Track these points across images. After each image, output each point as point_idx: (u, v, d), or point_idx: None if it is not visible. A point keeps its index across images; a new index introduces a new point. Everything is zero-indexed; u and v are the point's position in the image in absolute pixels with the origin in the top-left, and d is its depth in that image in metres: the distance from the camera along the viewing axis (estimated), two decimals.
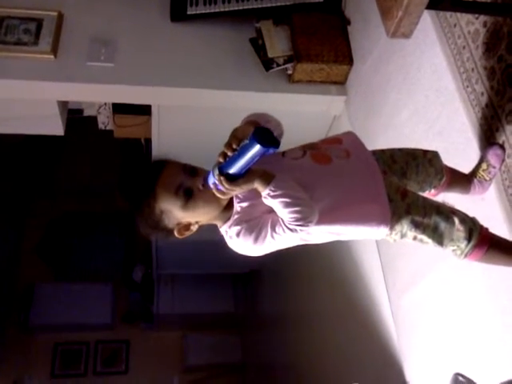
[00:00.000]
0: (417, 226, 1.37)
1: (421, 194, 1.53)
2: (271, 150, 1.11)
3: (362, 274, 2.87)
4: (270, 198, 1.21)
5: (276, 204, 1.21)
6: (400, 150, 1.58)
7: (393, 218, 1.35)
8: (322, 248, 3.43)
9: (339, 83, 2.81)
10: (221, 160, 1.18)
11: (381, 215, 1.35)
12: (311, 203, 1.24)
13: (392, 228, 1.36)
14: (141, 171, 1.33)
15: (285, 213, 1.21)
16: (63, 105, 2.94)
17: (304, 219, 1.21)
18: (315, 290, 3.73)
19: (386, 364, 2.56)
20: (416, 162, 1.57)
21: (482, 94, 1.74)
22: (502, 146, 1.65)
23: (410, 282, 2.32)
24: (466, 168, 1.77)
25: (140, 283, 5.46)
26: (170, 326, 5.39)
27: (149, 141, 3.27)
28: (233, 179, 1.17)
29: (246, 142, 1.12)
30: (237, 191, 1.21)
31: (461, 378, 1.34)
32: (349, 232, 1.37)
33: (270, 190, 1.19)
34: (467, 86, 1.79)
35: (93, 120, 3.25)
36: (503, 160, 1.65)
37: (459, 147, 1.85)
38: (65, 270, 5.41)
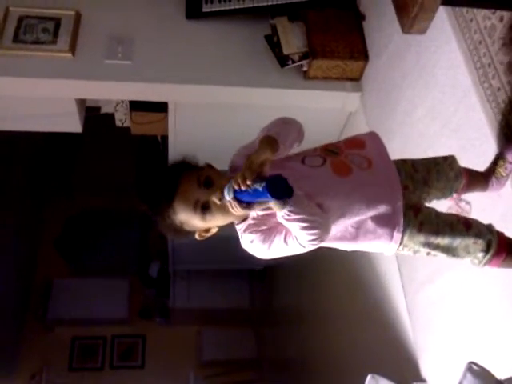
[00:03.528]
0: (429, 244, 1.37)
1: (442, 199, 1.53)
2: (283, 199, 1.15)
3: (378, 269, 2.87)
4: (285, 221, 1.22)
5: (291, 226, 1.23)
6: (422, 159, 1.57)
7: (404, 233, 1.35)
8: None
9: (354, 80, 2.81)
10: (235, 187, 1.19)
11: (393, 232, 1.35)
12: (326, 222, 1.26)
13: (404, 245, 1.36)
14: (158, 181, 1.34)
15: (300, 234, 1.23)
16: (81, 102, 2.98)
17: (318, 239, 1.23)
18: (330, 286, 3.74)
19: (401, 360, 2.56)
20: (437, 168, 1.55)
21: (499, 89, 1.73)
22: None
23: (427, 279, 2.32)
24: (482, 165, 1.76)
25: (156, 278, 5.51)
26: (185, 321, 5.43)
27: (165, 138, 3.30)
28: (248, 203, 1.20)
29: (259, 189, 1.14)
30: (252, 212, 1.26)
31: (475, 367, 1.34)
32: (360, 247, 1.39)
33: (286, 213, 1.20)
34: (484, 82, 1.78)
35: (110, 117, 3.29)
36: None
37: (475, 143, 1.85)
38: (82, 265, 5.48)
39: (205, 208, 1.28)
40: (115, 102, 3.18)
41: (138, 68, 2.73)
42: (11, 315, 4.95)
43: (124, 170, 4.75)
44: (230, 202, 1.21)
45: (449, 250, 1.39)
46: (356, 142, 1.47)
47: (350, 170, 1.36)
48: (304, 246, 1.25)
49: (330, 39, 2.71)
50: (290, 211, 1.19)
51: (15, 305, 5.05)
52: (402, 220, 1.34)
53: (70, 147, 5.06)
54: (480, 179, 1.71)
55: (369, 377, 2.11)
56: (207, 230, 1.37)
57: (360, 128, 2.78)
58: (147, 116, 3.14)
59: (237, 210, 1.22)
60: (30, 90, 2.76)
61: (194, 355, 5.37)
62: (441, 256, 1.40)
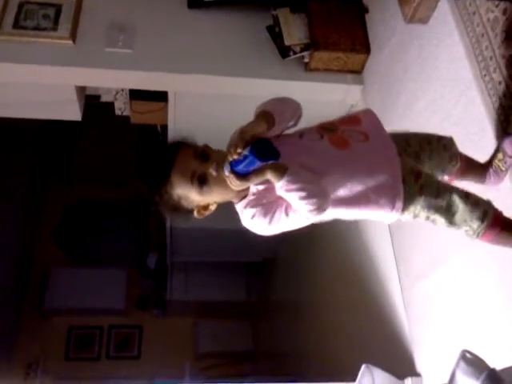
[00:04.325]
0: (430, 206, 1.37)
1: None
2: (270, 162, 1.17)
3: (375, 263, 2.87)
4: (283, 192, 1.23)
5: (290, 196, 1.23)
6: (415, 134, 1.59)
7: (406, 199, 1.36)
8: (335, 237, 3.44)
9: (356, 72, 2.80)
10: (230, 158, 1.20)
11: (394, 201, 1.35)
12: (325, 192, 1.26)
13: (405, 209, 1.37)
14: (156, 156, 1.36)
15: (299, 205, 1.23)
16: (81, 90, 2.96)
17: (318, 209, 1.23)
18: (327, 279, 3.74)
19: (396, 354, 2.56)
20: (430, 147, 1.57)
21: (500, 83, 1.72)
22: None
23: (423, 273, 2.32)
24: (481, 158, 1.76)
25: (154, 270, 5.50)
26: (182, 312, 5.42)
27: (165, 128, 3.29)
28: (245, 175, 1.20)
29: (247, 154, 1.16)
30: (250, 184, 1.25)
31: (468, 355, 1.35)
32: (361, 215, 1.39)
33: (284, 183, 1.21)
34: (485, 75, 1.78)
35: (110, 106, 3.27)
36: None
37: (475, 137, 1.84)
38: (80, 255, 5.47)
39: (202, 180, 1.28)
40: (115, 91, 3.17)
41: (138, 57, 2.72)
42: (8, 304, 4.94)
43: (123, 159, 4.73)
44: (227, 176, 1.22)
45: (448, 215, 1.38)
46: (351, 119, 1.49)
47: (348, 143, 1.37)
48: (306, 217, 1.25)
49: (332, 31, 2.70)
50: (287, 181, 1.20)
51: (12, 294, 5.04)
52: (401, 189, 1.35)
53: (69, 136, 5.04)
54: (477, 169, 1.71)
55: (363, 366, 2.12)
56: (206, 208, 1.37)
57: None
58: (147, 105, 3.13)
59: (234, 183, 1.22)
60: (30, 76, 2.75)
61: (190, 347, 5.37)
62: (439, 221, 1.40)
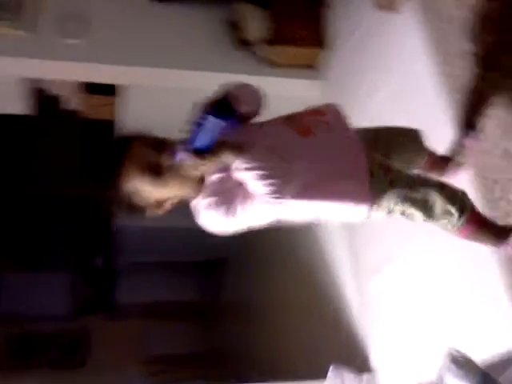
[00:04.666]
0: (404, 199, 1.31)
1: None
2: (229, 121, 1.10)
3: (329, 261, 2.87)
4: (241, 171, 1.16)
5: (250, 177, 1.16)
6: (385, 128, 1.55)
7: (376, 194, 1.28)
8: (288, 236, 3.42)
9: (315, 67, 2.79)
10: (186, 136, 1.13)
11: (360, 193, 1.28)
12: (288, 175, 1.19)
13: (378, 204, 1.29)
14: (106, 150, 1.27)
15: (258, 186, 1.16)
16: (27, 82, 2.80)
17: (279, 191, 1.17)
18: (280, 279, 3.71)
19: (350, 350, 2.54)
20: (399, 141, 1.54)
21: (461, 77, 1.74)
22: (477, 130, 1.65)
23: (377, 268, 2.32)
24: (440, 151, 1.76)
25: (100, 272, 5.33)
26: (131, 315, 5.28)
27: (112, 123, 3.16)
28: (199, 152, 1.12)
29: (199, 115, 1.10)
30: (206, 166, 1.15)
31: (457, 355, 1.32)
32: (327, 210, 1.30)
33: (241, 162, 1.15)
34: (447, 70, 1.79)
35: (59, 99, 3.11)
36: (479, 144, 1.65)
37: (436, 130, 1.84)
38: (23, 258, 5.22)
39: (157, 172, 1.20)
40: (65, 84, 3.01)
41: (91, 48, 2.62)
42: None
43: (71, 157, 4.52)
44: (182, 158, 1.14)
45: (425, 208, 1.32)
46: (315, 111, 1.42)
47: (312, 131, 1.31)
48: (266, 202, 1.17)
49: (292, 26, 2.69)
50: (245, 159, 1.15)
51: None
52: (367, 179, 1.28)
53: (17, 131, 4.76)
54: (441, 163, 1.70)
55: (331, 367, 2.09)
56: (160, 205, 1.27)
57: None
58: (97, 99, 3.00)
59: (190, 166, 1.13)
60: None
61: (139, 351, 5.23)
62: (417, 216, 1.34)
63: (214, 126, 1.09)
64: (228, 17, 2.77)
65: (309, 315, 3.20)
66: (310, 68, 2.77)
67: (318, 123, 1.34)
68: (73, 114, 3.19)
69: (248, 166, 1.15)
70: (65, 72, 2.71)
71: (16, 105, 2.84)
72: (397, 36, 2.11)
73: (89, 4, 2.71)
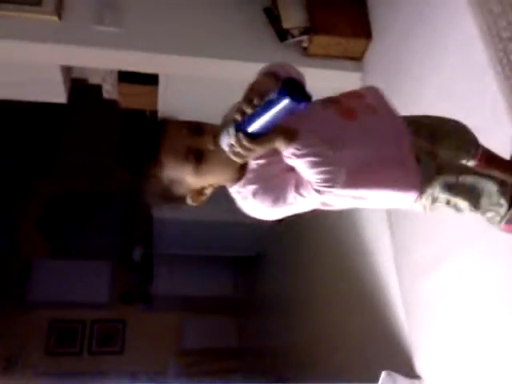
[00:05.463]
0: (450, 187, 1.23)
1: None
2: (302, 106, 0.96)
3: (372, 260, 2.76)
4: (294, 158, 1.07)
5: (301, 164, 1.08)
6: (428, 117, 1.46)
7: (423, 180, 1.22)
8: (329, 230, 3.31)
9: (356, 59, 2.68)
10: (238, 118, 1.02)
11: (410, 179, 1.22)
12: (340, 161, 1.11)
13: (423, 191, 1.23)
14: (140, 137, 1.19)
15: (311, 173, 1.08)
16: (66, 70, 2.81)
17: (332, 180, 1.08)
18: (321, 275, 3.61)
19: (394, 354, 2.44)
20: (442, 130, 1.44)
21: None
22: None
23: (425, 269, 2.21)
24: (497, 150, 1.63)
25: (139, 263, 5.37)
26: (167, 307, 5.31)
27: (155, 113, 3.14)
28: (255, 137, 1.02)
29: (273, 96, 0.97)
30: (256, 152, 1.06)
31: None
32: (374, 197, 1.23)
33: (295, 148, 1.06)
34: (502, 58, 1.66)
35: (97, 89, 3.11)
36: None
37: (490, 125, 1.72)
38: (64, 246, 5.32)
39: (199, 157, 1.13)
40: (103, 72, 3.01)
41: (128, 36, 2.58)
42: None
43: (109, 148, 4.56)
44: (230, 144, 1.04)
45: (472, 197, 1.25)
46: (355, 94, 1.36)
47: (356, 114, 1.24)
48: (318, 191, 1.09)
49: (332, 15, 2.59)
50: (299, 145, 1.05)
51: None
52: (415, 163, 1.22)
53: (54, 120, 4.85)
54: (499, 163, 1.57)
55: (384, 373, 1.98)
56: (201, 192, 1.21)
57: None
58: (136, 88, 2.98)
59: (239, 150, 1.03)
60: (12, 53, 2.59)
61: (174, 342, 5.26)
62: (462, 206, 1.26)
63: (284, 110, 0.97)
64: (265, 5, 2.70)
65: (350, 315, 3.10)
66: (350, 59, 2.66)
67: (360, 106, 1.27)
68: (112, 104, 3.19)
69: (299, 152, 1.06)
70: (99, 60, 2.69)
71: (56, 94, 2.84)
72: (441, 26, 1.98)
73: None
